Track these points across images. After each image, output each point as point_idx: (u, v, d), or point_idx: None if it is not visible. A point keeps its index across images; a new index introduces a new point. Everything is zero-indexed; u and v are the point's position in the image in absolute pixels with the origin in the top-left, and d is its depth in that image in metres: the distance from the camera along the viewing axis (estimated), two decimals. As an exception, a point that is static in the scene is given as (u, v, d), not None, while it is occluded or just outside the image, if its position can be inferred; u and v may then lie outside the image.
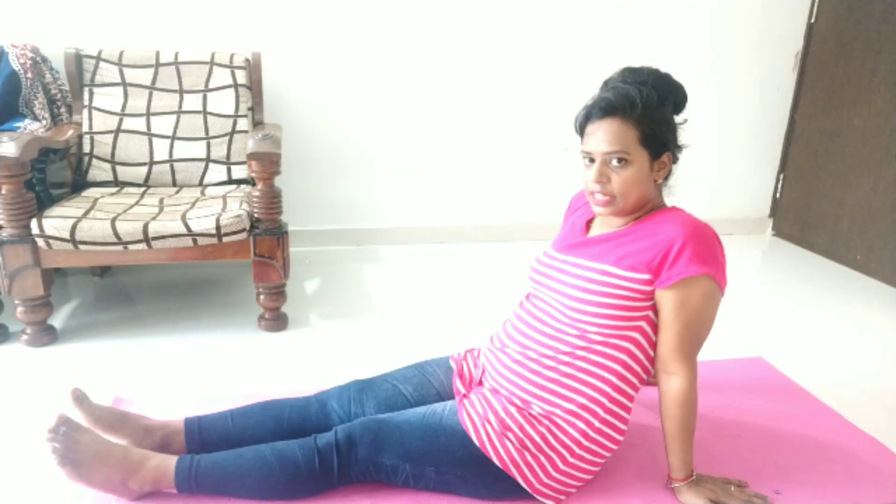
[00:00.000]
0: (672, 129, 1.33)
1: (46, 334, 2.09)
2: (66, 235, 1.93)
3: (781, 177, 3.49)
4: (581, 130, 1.34)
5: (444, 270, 2.91)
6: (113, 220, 1.97)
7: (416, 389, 1.51)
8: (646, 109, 1.27)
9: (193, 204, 2.19)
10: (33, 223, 1.94)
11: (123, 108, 2.47)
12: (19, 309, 2.03)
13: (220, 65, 2.55)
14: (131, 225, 1.96)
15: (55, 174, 2.33)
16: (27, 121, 2.29)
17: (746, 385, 1.93)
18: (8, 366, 1.96)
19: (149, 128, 2.47)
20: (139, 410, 1.58)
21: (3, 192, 1.92)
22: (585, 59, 3.08)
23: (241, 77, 2.56)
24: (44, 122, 2.33)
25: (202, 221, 2.01)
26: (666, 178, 1.36)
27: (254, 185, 2.15)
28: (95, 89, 2.45)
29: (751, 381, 1.96)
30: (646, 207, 1.36)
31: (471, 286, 2.72)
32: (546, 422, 1.34)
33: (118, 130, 2.44)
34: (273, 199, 2.12)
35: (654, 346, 1.34)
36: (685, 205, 1.40)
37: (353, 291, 2.62)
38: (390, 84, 2.96)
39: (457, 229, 3.24)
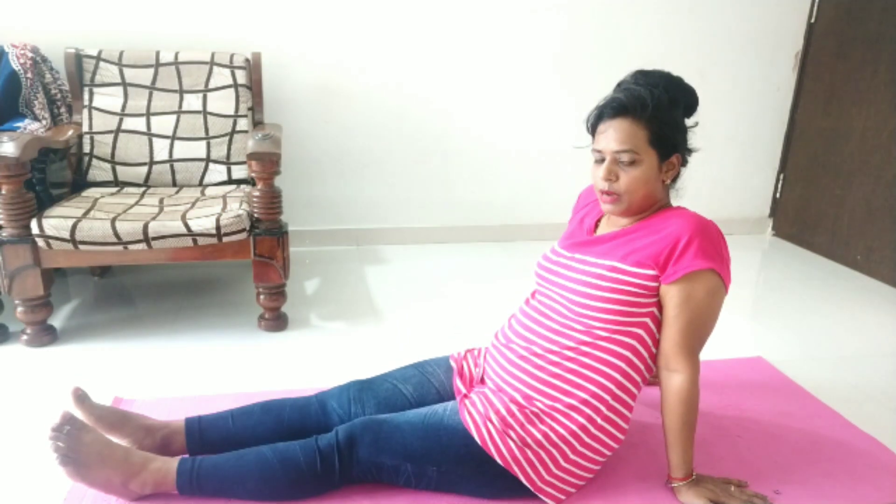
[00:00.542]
0: (682, 131, 1.35)
1: (46, 334, 2.09)
2: (66, 235, 1.93)
3: (781, 177, 3.49)
4: (592, 129, 1.37)
5: (444, 270, 2.91)
6: (113, 220, 1.97)
7: (416, 389, 1.52)
8: (656, 111, 1.29)
9: (193, 204, 2.19)
10: (33, 223, 1.94)
11: (123, 108, 2.47)
12: (19, 309, 2.03)
13: (220, 65, 2.55)
14: (131, 225, 1.96)
15: (55, 174, 2.33)
16: (27, 121, 2.29)
17: (746, 385, 1.93)
18: (8, 366, 1.96)
19: (149, 128, 2.47)
20: (139, 410, 1.58)
21: (3, 192, 1.92)
22: (586, 59, 3.08)
23: (241, 77, 2.56)
24: (44, 122, 2.33)
25: (202, 221, 2.01)
26: (674, 179, 1.39)
27: (254, 185, 2.15)
28: (95, 89, 2.46)
29: (751, 381, 1.96)
30: (653, 207, 1.38)
31: (471, 286, 2.72)
32: (548, 419, 1.34)
33: (118, 130, 2.45)
34: (273, 199, 2.12)
35: (657, 343, 1.35)
36: (685, 204, 1.41)
37: (353, 291, 2.62)
38: (390, 84, 2.96)
39: (456, 229, 3.24)
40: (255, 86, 2.60)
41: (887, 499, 1.46)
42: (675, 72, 1.36)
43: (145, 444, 1.43)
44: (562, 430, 1.33)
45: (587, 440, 1.34)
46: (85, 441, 1.30)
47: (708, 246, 1.27)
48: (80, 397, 1.43)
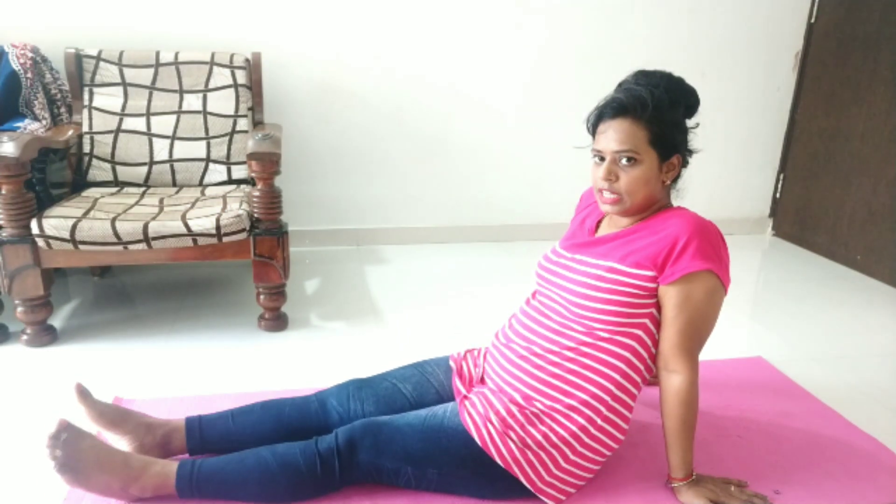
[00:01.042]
0: (682, 131, 1.35)
1: (46, 334, 2.09)
2: (66, 235, 1.93)
3: (781, 177, 3.49)
4: (593, 129, 1.37)
5: (444, 270, 2.91)
6: (113, 220, 1.97)
7: (414, 388, 1.52)
8: (656, 111, 1.29)
9: (193, 204, 2.19)
10: (33, 223, 1.94)
11: (123, 108, 2.47)
12: (19, 309, 2.03)
13: (220, 65, 2.55)
14: (131, 225, 1.96)
15: (55, 174, 2.33)
16: (27, 121, 2.29)
17: (746, 385, 1.94)
18: (8, 366, 1.96)
19: (149, 128, 2.47)
20: (139, 410, 1.58)
21: (3, 192, 1.92)
22: (586, 59, 3.08)
23: (241, 77, 2.56)
24: (44, 122, 2.33)
25: (202, 221, 2.01)
26: (675, 180, 1.38)
27: (254, 185, 2.15)
28: (95, 89, 2.46)
29: (751, 381, 1.96)
30: (653, 207, 1.38)
31: (471, 286, 2.72)
32: (548, 420, 1.34)
33: (118, 130, 2.44)
34: (273, 199, 2.12)
35: (656, 343, 1.35)
36: (685, 204, 1.42)
37: (353, 291, 2.62)
38: (391, 84, 2.96)
39: (457, 229, 3.24)
40: (255, 86, 2.60)
41: (887, 499, 1.46)
42: (676, 72, 1.36)
43: (146, 441, 1.43)
44: (562, 432, 1.33)
45: (587, 441, 1.34)
46: (82, 448, 1.30)
47: (706, 247, 1.27)
48: (83, 392, 1.43)
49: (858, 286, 2.86)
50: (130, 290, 2.59)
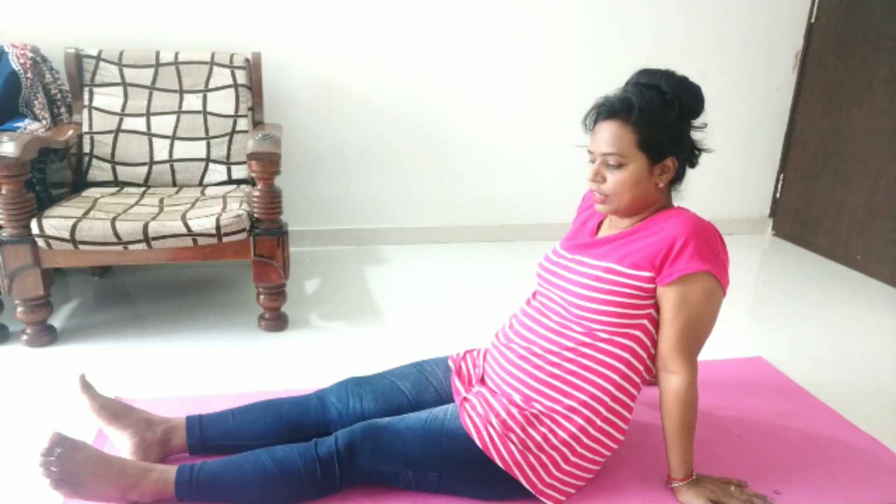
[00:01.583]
0: (676, 133, 1.32)
1: (46, 334, 2.09)
2: (66, 235, 1.93)
3: (781, 177, 3.49)
4: (590, 130, 1.37)
5: (445, 270, 2.91)
6: (113, 220, 1.97)
7: (413, 386, 1.52)
8: (645, 113, 1.28)
9: (193, 204, 2.19)
10: (33, 223, 1.94)
11: (123, 108, 2.47)
12: (19, 309, 2.03)
13: (220, 65, 2.55)
14: (131, 225, 1.96)
15: (55, 174, 2.33)
16: (27, 121, 2.29)
17: (746, 385, 1.94)
18: (8, 366, 1.96)
19: (149, 128, 2.47)
20: (139, 410, 1.58)
21: (3, 192, 1.92)
22: (586, 59, 3.08)
23: (241, 77, 2.56)
24: (44, 122, 2.33)
25: (202, 221, 2.01)
26: (676, 181, 1.37)
27: (254, 185, 2.15)
28: (95, 89, 2.46)
29: (751, 381, 1.96)
30: (651, 208, 1.37)
31: (471, 286, 2.72)
32: (547, 421, 1.34)
33: (118, 130, 2.44)
34: (273, 199, 2.12)
35: (656, 344, 1.35)
36: (685, 205, 1.41)
37: (352, 291, 2.62)
38: (390, 84, 2.96)
39: (457, 229, 3.24)
40: (255, 86, 2.60)
41: (887, 499, 1.46)
42: (678, 72, 1.34)
43: (146, 437, 1.43)
44: (561, 433, 1.33)
45: (587, 441, 1.34)
46: (77, 460, 1.28)
47: (704, 248, 1.26)
48: (86, 385, 1.44)
49: (858, 286, 2.86)
50: (130, 290, 2.59)
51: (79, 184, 2.40)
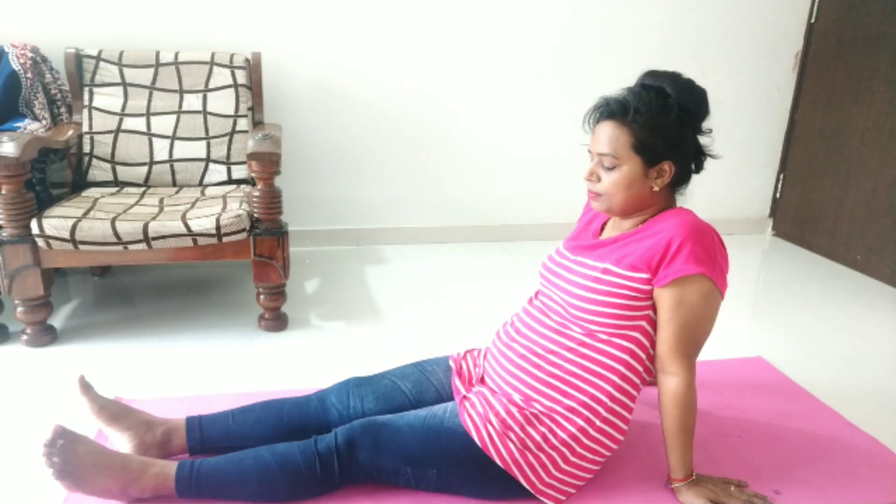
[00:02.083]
0: (673, 137, 1.30)
1: (46, 334, 2.09)
2: (66, 235, 1.93)
3: (781, 177, 3.49)
4: (590, 129, 1.38)
5: (444, 270, 2.91)
6: (113, 220, 1.97)
7: (414, 386, 1.52)
8: (641, 116, 1.28)
9: (193, 204, 2.19)
10: (33, 223, 1.94)
11: (123, 108, 2.47)
12: (19, 309, 2.03)
13: (220, 65, 2.55)
14: (131, 225, 1.96)
15: (55, 174, 2.33)
16: (27, 121, 2.29)
17: (746, 385, 1.93)
18: (8, 366, 1.96)
19: (149, 128, 2.47)
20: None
21: (3, 192, 1.92)
22: (586, 59, 3.08)
23: (241, 77, 2.56)
24: (44, 122, 2.33)
25: (202, 221, 2.01)
26: (679, 184, 1.37)
27: (254, 185, 2.15)
28: (95, 89, 2.46)
29: (751, 381, 1.96)
30: (650, 210, 1.37)
31: (471, 286, 2.72)
32: (547, 420, 1.34)
33: (118, 130, 2.45)
34: (273, 199, 2.12)
35: (655, 345, 1.35)
36: (685, 205, 1.41)
37: (352, 291, 2.62)
38: (391, 84, 2.96)
39: (456, 229, 3.24)
40: (255, 86, 2.60)
41: (887, 499, 1.46)
42: (685, 74, 1.33)
43: (146, 438, 1.43)
44: (561, 433, 1.33)
45: (586, 442, 1.34)
46: (79, 452, 1.29)
47: (700, 250, 1.26)
48: (85, 386, 1.43)
49: (858, 286, 2.86)
50: (130, 290, 2.59)
51: (79, 184, 2.40)
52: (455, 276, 2.85)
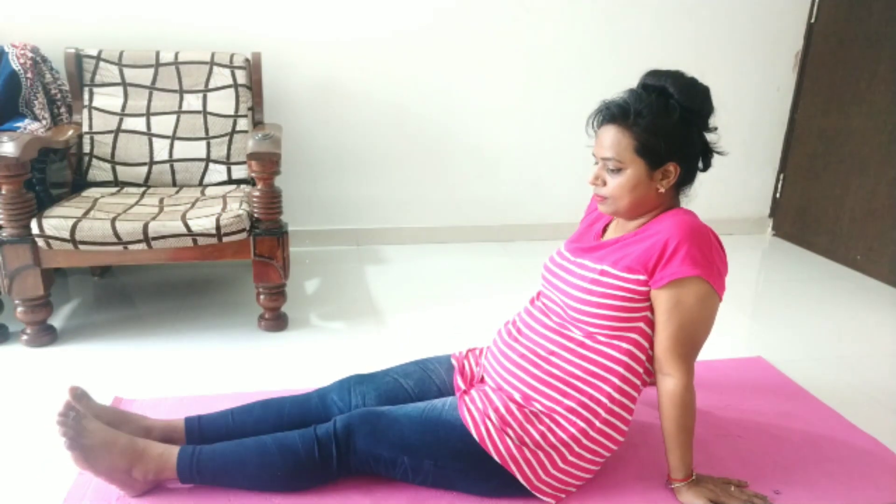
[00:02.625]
0: (677, 138, 1.29)
1: (46, 334, 2.09)
2: (66, 235, 1.93)
3: (781, 177, 3.49)
4: (594, 133, 1.38)
5: (444, 270, 2.91)
6: (113, 220, 1.97)
7: (416, 384, 1.53)
8: (643, 118, 1.27)
9: (193, 204, 2.19)
10: (33, 223, 1.94)
11: (123, 108, 2.47)
12: (19, 309, 2.03)
13: (220, 65, 2.55)
14: (131, 225, 1.96)
15: (55, 174, 2.33)
16: (27, 121, 2.29)
17: (746, 385, 1.94)
18: (8, 366, 1.96)
19: (149, 128, 2.47)
20: (139, 411, 1.58)
21: (3, 192, 1.92)
22: (586, 59, 3.08)
23: (241, 77, 2.56)
24: (44, 122, 2.33)
25: (202, 221, 2.01)
26: (684, 184, 1.37)
27: (254, 185, 2.15)
28: (95, 89, 2.46)
29: (751, 381, 1.96)
30: (654, 211, 1.37)
31: (471, 286, 2.72)
32: (546, 420, 1.34)
33: (118, 130, 2.44)
34: (273, 199, 2.12)
35: (654, 346, 1.35)
36: (684, 205, 1.41)
37: (353, 291, 2.62)
38: (391, 83, 2.96)
39: (457, 229, 3.24)
40: (255, 86, 2.60)
41: (887, 499, 1.46)
42: (687, 73, 1.32)
43: None
44: (560, 433, 1.33)
45: (586, 443, 1.34)
46: (89, 429, 1.32)
47: (696, 252, 1.25)
48: (79, 396, 1.42)
49: (858, 286, 2.86)
50: (130, 290, 2.59)
51: (79, 184, 2.40)
52: (455, 275, 2.85)
